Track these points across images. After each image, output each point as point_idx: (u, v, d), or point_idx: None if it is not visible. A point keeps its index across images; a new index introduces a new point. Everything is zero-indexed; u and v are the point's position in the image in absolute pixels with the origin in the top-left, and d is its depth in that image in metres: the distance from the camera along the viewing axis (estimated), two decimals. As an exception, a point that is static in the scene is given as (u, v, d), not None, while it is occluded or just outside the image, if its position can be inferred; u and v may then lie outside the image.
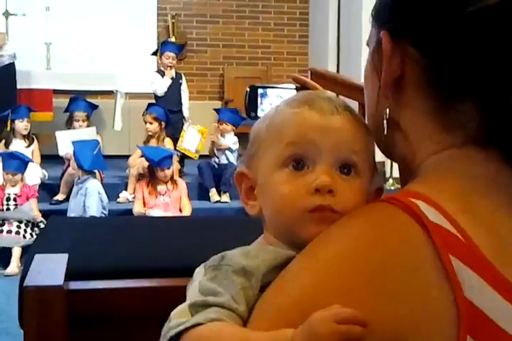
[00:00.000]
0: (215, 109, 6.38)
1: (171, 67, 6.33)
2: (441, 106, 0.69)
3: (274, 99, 1.15)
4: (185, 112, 6.38)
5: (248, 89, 1.14)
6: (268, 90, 1.15)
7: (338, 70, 7.62)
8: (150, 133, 5.98)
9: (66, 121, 6.24)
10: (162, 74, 6.32)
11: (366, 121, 0.79)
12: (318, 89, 1.15)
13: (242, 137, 6.93)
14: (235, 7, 8.09)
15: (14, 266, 4.75)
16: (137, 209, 5.24)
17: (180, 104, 6.36)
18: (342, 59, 7.57)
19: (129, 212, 5.35)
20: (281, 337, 0.57)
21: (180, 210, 5.30)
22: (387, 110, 0.74)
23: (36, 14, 6.83)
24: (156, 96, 6.33)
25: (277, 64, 8.20)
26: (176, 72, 6.41)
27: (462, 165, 0.68)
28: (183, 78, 6.52)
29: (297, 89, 1.14)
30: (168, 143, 5.95)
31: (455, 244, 0.60)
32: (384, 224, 0.63)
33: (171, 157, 5.41)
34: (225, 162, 5.95)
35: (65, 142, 5.80)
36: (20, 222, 4.97)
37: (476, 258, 0.60)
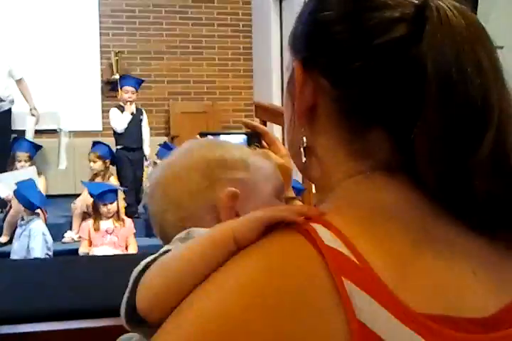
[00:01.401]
0: (159, 145, 6.32)
1: (130, 101, 6.18)
2: (352, 135, 0.70)
3: None
4: (146, 150, 6.26)
5: (198, 137, 1.14)
6: (218, 137, 1.15)
7: (282, 103, 7.69)
8: (95, 172, 5.90)
9: (10, 161, 6.12)
10: (121, 109, 6.16)
11: (286, 146, 0.82)
12: (268, 133, 1.17)
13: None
14: (179, 43, 8.13)
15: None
16: (83, 249, 5.13)
17: (141, 140, 6.22)
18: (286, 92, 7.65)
19: (75, 252, 5.24)
20: (224, 236, 0.65)
21: (127, 249, 5.21)
22: (304, 138, 0.75)
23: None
24: (115, 133, 6.17)
25: (223, 98, 8.25)
26: (137, 108, 6.27)
27: (366, 191, 0.69)
28: (144, 114, 6.39)
29: (247, 134, 1.15)
30: (113, 180, 5.88)
31: (349, 267, 0.60)
32: (280, 249, 0.63)
33: (114, 192, 5.33)
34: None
35: (5, 184, 5.68)
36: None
37: (371, 281, 0.60)
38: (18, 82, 6.33)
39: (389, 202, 0.67)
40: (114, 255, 4.66)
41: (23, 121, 6.55)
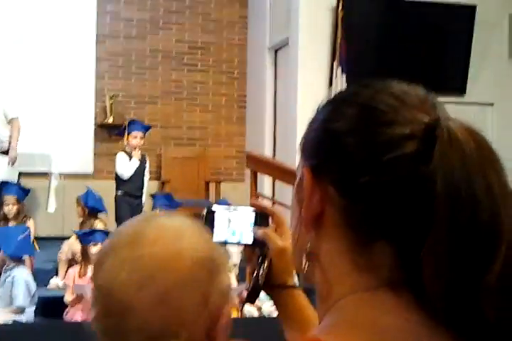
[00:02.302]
0: (151, 195, 6.29)
1: (138, 147, 6.12)
2: (356, 247, 0.70)
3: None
4: (143, 198, 6.19)
5: (205, 212, 1.15)
6: (224, 214, 1.15)
7: (274, 152, 7.74)
8: (80, 219, 5.90)
9: None
10: (128, 155, 6.08)
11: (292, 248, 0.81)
12: (276, 214, 1.18)
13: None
14: (174, 88, 8.20)
15: None
16: (67, 297, 5.05)
17: (142, 189, 6.15)
18: (278, 140, 7.70)
19: (60, 299, 5.17)
20: None
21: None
22: (308, 244, 0.75)
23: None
24: (117, 178, 6.07)
25: (215, 145, 8.30)
26: (142, 154, 6.21)
27: (369, 314, 0.68)
28: (147, 162, 6.33)
29: (256, 213, 1.16)
30: (99, 226, 5.84)
31: None
32: None
33: (105, 234, 5.24)
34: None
35: None
36: None
37: None
38: (11, 121, 6.34)
39: (391, 326, 0.67)
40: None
41: (39, 163, 6.54)
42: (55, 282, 5.56)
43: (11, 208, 5.88)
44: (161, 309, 0.87)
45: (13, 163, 6.25)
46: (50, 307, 5.21)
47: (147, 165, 6.26)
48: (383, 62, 6.83)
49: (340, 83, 6.67)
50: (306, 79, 6.79)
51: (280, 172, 5.59)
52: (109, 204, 6.01)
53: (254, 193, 5.99)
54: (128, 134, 6.10)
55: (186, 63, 8.26)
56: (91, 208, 5.91)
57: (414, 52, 6.84)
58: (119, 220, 5.93)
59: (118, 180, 6.07)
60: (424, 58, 6.89)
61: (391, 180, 0.66)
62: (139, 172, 6.09)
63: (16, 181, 6.25)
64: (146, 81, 8.14)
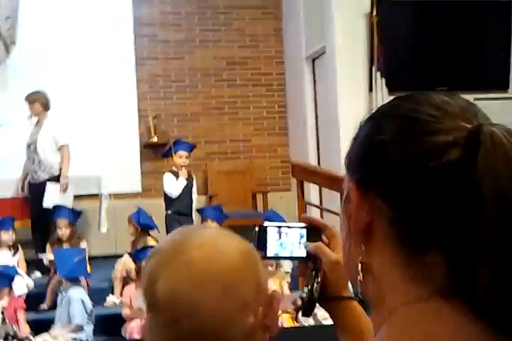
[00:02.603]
0: (197, 210, 6.33)
1: (184, 166, 6.19)
2: (408, 257, 0.70)
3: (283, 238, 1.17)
4: (193, 216, 6.21)
5: (257, 229, 1.16)
6: (277, 229, 1.17)
7: (318, 160, 7.74)
8: (131, 236, 5.99)
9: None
10: (175, 174, 6.15)
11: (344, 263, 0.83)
12: (327, 228, 1.18)
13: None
14: (215, 104, 8.29)
15: (0, 382, 4.61)
16: (127, 314, 5.11)
17: (191, 206, 6.19)
18: (322, 148, 7.71)
19: (117, 316, 5.25)
20: None
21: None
22: (360, 257, 0.76)
23: (19, 123, 6.96)
24: (166, 198, 6.13)
25: (259, 156, 8.34)
26: (188, 173, 6.27)
27: (423, 325, 0.68)
28: (194, 179, 6.39)
29: (307, 227, 1.17)
30: (151, 240, 5.92)
31: None
32: None
33: None
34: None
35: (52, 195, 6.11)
36: (7, 335, 4.86)
37: None
38: (61, 148, 6.49)
39: (446, 336, 0.67)
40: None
41: (90, 185, 6.68)
42: (111, 300, 5.65)
43: (64, 231, 6.01)
44: (226, 300, 0.93)
45: (64, 190, 6.39)
46: (108, 324, 5.30)
47: (194, 182, 6.31)
48: (422, 63, 6.80)
49: (381, 88, 6.66)
50: (345, 86, 6.80)
51: (326, 180, 5.60)
52: (159, 221, 6.08)
53: (302, 202, 6.00)
54: (174, 153, 6.16)
55: (225, 79, 8.35)
56: (143, 226, 6.02)
57: (452, 51, 6.81)
58: None
59: (167, 199, 6.12)
60: (464, 57, 6.84)
61: (438, 187, 0.67)
62: (187, 190, 6.14)
63: (70, 205, 6.39)
64: (187, 99, 8.24)
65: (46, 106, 6.61)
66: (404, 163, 0.69)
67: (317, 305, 1.14)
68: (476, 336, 0.66)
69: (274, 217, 5.72)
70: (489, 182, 0.64)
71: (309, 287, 1.12)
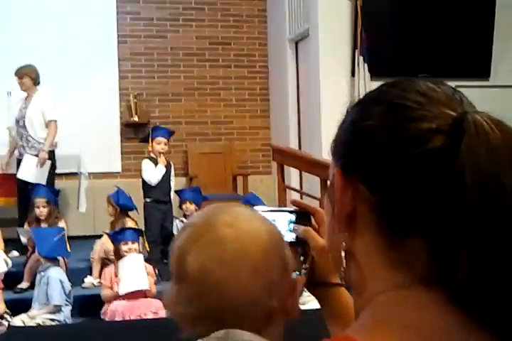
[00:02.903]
0: (176, 191, 6.30)
1: (163, 153, 6.06)
2: (389, 242, 0.71)
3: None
4: (172, 203, 6.15)
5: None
6: (265, 214, 1.15)
7: (299, 144, 7.75)
8: (110, 216, 5.98)
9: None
10: (154, 161, 6.01)
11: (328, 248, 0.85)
12: (318, 212, 1.18)
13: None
14: (196, 85, 8.25)
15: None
16: (107, 296, 5.10)
17: (170, 194, 6.11)
18: (303, 132, 7.71)
19: (95, 297, 5.25)
20: None
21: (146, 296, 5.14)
22: (344, 243, 0.76)
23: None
24: (144, 186, 6.02)
25: (240, 138, 8.33)
26: (166, 160, 6.13)
27: (403, 312, 0.68)
28: (172, 166, 6.27)
29: (297, 212, 1.17)
30: (129, 221, 5.91)
31: None
32: None
33: (136, 232, 5.30)
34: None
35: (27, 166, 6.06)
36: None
37: None
38: (48, 123, 6.40)
39: (425, 324, 0.67)
40: (146, 320, 4.65)
41: (69, 164, 6.61)
42: (89, 281, 5.64)
43: (42, 210, 5.97)
44: (254, 280, 0.96)
45: (41, 165, 6.31)
46: (86, 305, 5.30)
47: (172, 170, 6.22)
48: (405, 49, 6.80)
49: (363, 73, 6.66)
50: (328, 70, 6.79)
51: (306, 164, 5.60)
52: (138, 201, 6.06)
53: (282, 186, 6.02)
54: (152, 140, 6.05)
55: (208, 59, 8.29)
56: (122, 206, 5.99)
57: (435, 38, 6.80)
58: (149, 227, 5.92)
59: (145, 187, 6.02)
60: (446, 44, 6.85)
61: (420, 174, 0.67)
62: (166, 177, 6.05)
63: (44, 181, 6.34)
64: (168, 79, 8.19)
65: (36, 81, 6.51)
66: (388, 149, 0.70)
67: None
68: (454, 326, 0.67)
69: (254, 200, 5.72)
70: (471, 169, 0.65)
71: (297, 272, 1.13)
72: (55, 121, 6.43)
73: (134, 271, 5.00)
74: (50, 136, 6.37)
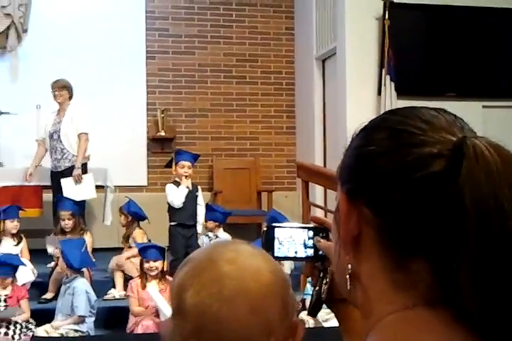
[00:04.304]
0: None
1: (186, 176, 5.90)
2: (393, 264, 0.73)
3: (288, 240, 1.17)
4: (199, 228, 6.01)
5: (265, 229, 1.17)
6: (285, 230, 1.17)
7: (325, 160, 7.77)
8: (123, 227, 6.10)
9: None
10: (177, 185, 5.90)
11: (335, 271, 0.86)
12: None
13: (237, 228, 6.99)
14: (223, 101, 8.31)
15: (1, 370, 4.66)
16: (135, 309, 5.12)
17: (195, 218, 5.96)
18: (328, 149, 7.73)
19: (118, 309, 5.28)
20: None
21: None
22: (349, 266, 0.78)
23: (28, 113, 6.98)
24: (170, 209, 5.93)
25: (265, 155, 8.37)
26: (192, 184, 6.00)
27: (410, 334, 0.70)
28: (199, 190, 6.12)
29: (316, 228, 1.17)
30: (137, 235, 5.96)
31: None
32: None
33: (159, 250, 5.30)
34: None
35: (69, 188, 6.12)
36: (9, 322, 4.90)
37: None
38: (79, 135, 6.51)
39: None
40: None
41: (95, 177, 6.70)
42: (111, 293, 5.67)
43: (67, 223, 6.05)
44: (252, 319, 0.93)
45: (78, 181, 6.41)
46: (110, 317, 5.33)
47: (199, 193, 6.07)
48: (432, 69, 6.81)
49: (389, 91, 6.68)
50: (354, 88, 6.82)
51: (331, 182, 5.61)
52: (162, 215, 6.08)
53: (307, 202, 6.03)
54: (176, 164, 5.96)
55: (235, 76, 8.36)
56: (133, 214, 6.07)
57: (462, 57, 6.81)
58: (173, 250, 5.85)
59: (170, 210, 5.95)
60: (474, 63, 6.84)
61: (422, 197, 0.70)
62: (191, 200, 5.91)
63: (91, 195, 6.47)
64: (195, 94, 8.26)
65: (72, 95, 6.61)
66: (391, 173, 0.72)
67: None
68: None
69: (277, 216, 5.74)
70: (471, 192, 0.67)
71: (317, 288, 1.14)
72: (86, 133, 6.51)
73: (159, 300, 4.99)
74: (80, 150, 6.46)
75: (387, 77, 6.70)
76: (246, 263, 0.98)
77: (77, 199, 6.24)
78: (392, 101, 6.65)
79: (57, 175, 6.49)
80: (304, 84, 8.20)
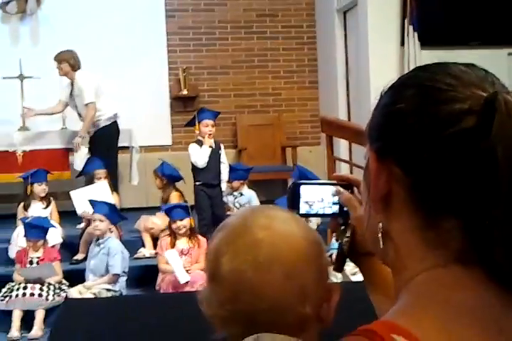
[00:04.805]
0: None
1: (210, 135, 5.83)
2: (425, 223, 0.73)
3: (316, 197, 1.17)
4: (223, 186, 5.98)
5: (291, 187, 1.17)
6: (310, 187, 1.17)
7: (348, 114, 7.71)
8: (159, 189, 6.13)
9: (88, 179, 6.30)
10: (200, 144, 5.83)
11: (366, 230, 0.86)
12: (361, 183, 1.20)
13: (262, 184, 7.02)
14: (244, 57, 8.25)
15: (37, 329, 4.77)
16: (162, 266, 5.20)
17: (220, 177, 5.93)
18: (352, 103, 7.66)
19: (149, 268, 5.37)
20: None
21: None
22: (380, 224, 0.78)
23: (50, 76, 6.99)
24: (194, 169, 5.84)
25: (288, 110, 8.32)
26: (215, 142, 5.94)
27: (442, 293, 0.70)
28: (222, 148, 6.07)
29: (341, 185, 1.17)
30: (174, 197, 5.99)
31: None
32: None
33: (183, 209, 5.34)
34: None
35: (80, 200, 5.86)
36: (43, 284, 5.02)
37: None
38: (86, 105, 6.53)
39: (465, 304, 0.69)
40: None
41: (121, 138, 6.77)
42: (141, 252, 5.77)
43: (103, 181, 6.14)
44: (287, 285, 0.94)
45: (76, 148, 6.49)
46: (141, 276, 5.43)
47: (222, 152, 6.02)
48: (455, 17, 6.66)
49: (413, 42, 6.56)
50: (377, 39, 6.70)
51: (356, 135, 5.56)
52: (188, 174, 6.11)
53: (331, 157, 6.01)
54: (198, 123, 5.85)
55: (255, 31, 8.26)
56: (168, 176, 6.08)
57: (486, 5, 6.63)
58: (200, 211, 5.84)
59: (194, 170, 5.90)
60: (498, 11, 6.67)
61: (453, 154, 0.69)
62: (214, 160, 5.86)
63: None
64: (216, 52, 8.20)
65: (74, 66, 6.58)
66: (421, 131, 0.71)
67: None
68: (494, 303, 0.68)
69: (306, 173, 5.76)
70: (503, 147, 0.67)
71: (339, 242, 1.15)
72: (92, 103, 6.52)
73: (178, 266, 5.05)
74: (86, 119, 6.51)
75: (410, 27, 6.58)
76: (280, 229, 0.98)
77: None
78: (416, 52, 6.54)
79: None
80: (326, 38, 8.08)
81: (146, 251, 5.78)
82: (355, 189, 1.17)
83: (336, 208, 1.16)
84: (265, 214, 1.02)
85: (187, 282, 4.96)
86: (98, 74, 6.78)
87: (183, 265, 5.07)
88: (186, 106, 8.02)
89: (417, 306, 0.70)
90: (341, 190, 1.14)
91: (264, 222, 0.99)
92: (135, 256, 5.74)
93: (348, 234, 1.13)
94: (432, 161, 0.70)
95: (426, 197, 0.72)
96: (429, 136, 0.71)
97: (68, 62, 6.56)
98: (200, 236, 5.34)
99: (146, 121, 7.57)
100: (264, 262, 0.94)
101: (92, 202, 5.49)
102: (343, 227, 1.15)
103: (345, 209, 1.14)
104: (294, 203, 1.14)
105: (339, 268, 1.16)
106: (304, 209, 1.15)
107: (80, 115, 6.68)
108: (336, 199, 1.15)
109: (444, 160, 0.70)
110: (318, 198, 1.16)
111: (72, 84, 6.68)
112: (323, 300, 0.98)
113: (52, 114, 6.88)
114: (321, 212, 1.16)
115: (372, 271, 1.14)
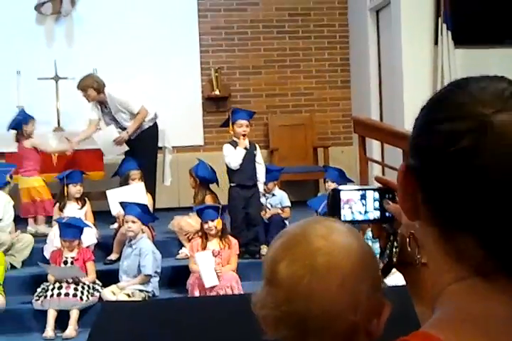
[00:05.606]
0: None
1: (244, 135, 5.76)
2: (444, 236, 0.75)
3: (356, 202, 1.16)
4: (260, 187, 5.89)
5: (331, 193, 1.17)
6: (350, 193, 1.16)
7: (381, 114, 7.66)
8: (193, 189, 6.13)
9: (123, 180, 6.35)
10: (234, 145, 5.75)
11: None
12: None
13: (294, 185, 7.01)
14: (276, 57, 8.25)
15: (71, 329, 4.84)
16: (193, 267, 5.21)
17: (255, 177, 5.84)
18: (384, 103, 7.61)
19: (181, 268, 5.40)
20: None
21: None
22: (412, 231, 0.84)
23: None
24: (229, 170, 5.80)
25: (320, 110, 8.31)
26: (250, 142, 5.85)
27: (470, 305, 0.72)
28: (258, 149, 5.97)
29: (381, 189, 1.17)
30: (207, 200, 5.98)
31: None
32: None
33: (214, 209, 5.35)
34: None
35: (116, 200, 5.90)
36: (77, 284, 5.08)
37: None
38: (137, 115, 6.61)
39: (497, 315, 0.71)
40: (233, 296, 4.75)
41: (161, 138, 6.84)
42: (183, 252, 5.78)
43: (138, 182, 6.20)
44: (341, 294, 0.97)
45: (117, 143, 6.54)
46: (175, 276, 5.47)
47: (258, 153, 5.91)
48: (490, 16, 6.58)
49: (446, 41, 6.50)
50: (410, 38, 6.66)
51: (388, 136, 5.53)
52: (221, 175, 6.13)
53: (364, 158, 5.98)
54: (232, 124, 5.77)
55: (287, 31, 8.26)
56: (201, 178, 6.06)
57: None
58: (232, 212, 5.79)
59: (229, 171, 5.86)
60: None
61: (454, 171, 0.72)
62: (249, 161, 5.78)
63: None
64: (249, 52, 8.22)
65: (99, 89, 6.54)
66: (429, 147, 0.74)
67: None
68: None
69: (335, 173, 5.75)
70: (494, 168, 0.69)
71: (387, 251, 1.13)
72: (142, 107, 6.57)
73: (206, 269, 5.06)
74: (137, 120, 6.57)
75: (444, 25, 6.52)
76: (338, 240, 1.02)
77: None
78: (450, 51, 6.49)
79: (129, 142, 6.64)
80: (358, 37, 8.05)
81: (187, 251, 5.77)
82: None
83: (377, 214, 1.15)
84: (325, 224, 1.06)
85: (213, 286, 4.98)
86: (130, 75, 6.81)
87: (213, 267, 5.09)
88: (218, 107, 8.06)
89: (451, 319, 0.72)
90: (389, 201, 1.14)
91: (323, 231, 1.03)
92: (177, 257, 5.77)
93: (396, 244, 1.12)
94: (436, 177, 0.73)
95: (438, 211, 0.75)
96: (435, 152, 0.73)
97: (92, 87, 6.52)
98: (231, 238, 5.36)
99: (179, 122, 7.61)
100: (321, 269, 0.98)
101: (122, 204, 5.53)
102: (391, 236, 1.14)
103: (387, 214, 1.14)
104: (334, 209, 1.14)
105: (384, 275, 1.15)
106: (344, 215, 1.15)
107: (121, 128, 6.64)
108: (376, 204, 1.15)
109: (447, 177, 0.72)
110: (359, 204, 1.15)
111: (101, 103, 6.66)
112: (374, 313, 1.00)
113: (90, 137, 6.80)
114: (362, 218, 1.15)
115: (418, 282, 1.14)
